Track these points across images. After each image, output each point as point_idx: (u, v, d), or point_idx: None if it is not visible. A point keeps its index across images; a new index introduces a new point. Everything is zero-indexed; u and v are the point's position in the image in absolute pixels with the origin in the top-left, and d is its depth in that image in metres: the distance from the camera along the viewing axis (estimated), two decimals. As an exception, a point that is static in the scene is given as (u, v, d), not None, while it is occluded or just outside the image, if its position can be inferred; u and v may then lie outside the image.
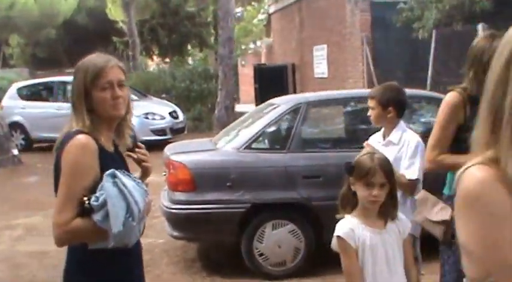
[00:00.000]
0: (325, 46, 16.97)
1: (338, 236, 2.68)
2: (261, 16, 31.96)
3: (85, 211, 2.29)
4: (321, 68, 17.82)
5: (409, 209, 3.49)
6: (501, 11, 10.11)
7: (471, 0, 10.32)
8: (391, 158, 3.07)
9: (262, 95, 20.96)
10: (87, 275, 2.43)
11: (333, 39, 16.00)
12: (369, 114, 3.88)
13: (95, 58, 2.53)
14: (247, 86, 26.51)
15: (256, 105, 22.10)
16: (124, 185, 2.31)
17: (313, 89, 15.98)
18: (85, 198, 2.29)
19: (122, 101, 2.47)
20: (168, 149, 6.14)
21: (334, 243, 2.74)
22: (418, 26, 11.52)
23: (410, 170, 3.63)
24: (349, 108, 6.33)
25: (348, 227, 2.68)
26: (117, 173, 2.34)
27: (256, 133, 5.82)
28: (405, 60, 12.91)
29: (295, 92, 18.08)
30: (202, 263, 6.18)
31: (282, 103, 6.16)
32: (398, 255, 2.71)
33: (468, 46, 3.19)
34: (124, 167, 2.51)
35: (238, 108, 19.13)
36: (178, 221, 5.70)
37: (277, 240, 5.56)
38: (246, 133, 5.90)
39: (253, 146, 5.75)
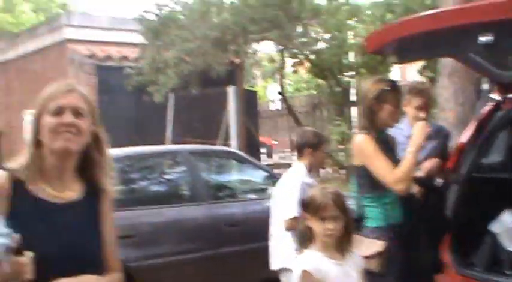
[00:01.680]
0: (39, 110, 16.05)
1: (305, 271, 2.63)
2: None
3: None
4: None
5: None
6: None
7: (208, 66, 11.00)
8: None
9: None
10: None
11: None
12: None
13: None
14: None
15: None
16: None
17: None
18: None
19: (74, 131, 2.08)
20: None
21: (296, 278, 2.67)
22: (153, 90, 11.74)
23: None
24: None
25: (313, 260, 2.65)
26: None
27: None
28: (138, 122, 12.93)
29: (1, 160, 16.66)
30: None
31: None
32: (359, 287, 2.75)
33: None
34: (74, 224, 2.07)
35: None
36: None
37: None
38: None
39: None
